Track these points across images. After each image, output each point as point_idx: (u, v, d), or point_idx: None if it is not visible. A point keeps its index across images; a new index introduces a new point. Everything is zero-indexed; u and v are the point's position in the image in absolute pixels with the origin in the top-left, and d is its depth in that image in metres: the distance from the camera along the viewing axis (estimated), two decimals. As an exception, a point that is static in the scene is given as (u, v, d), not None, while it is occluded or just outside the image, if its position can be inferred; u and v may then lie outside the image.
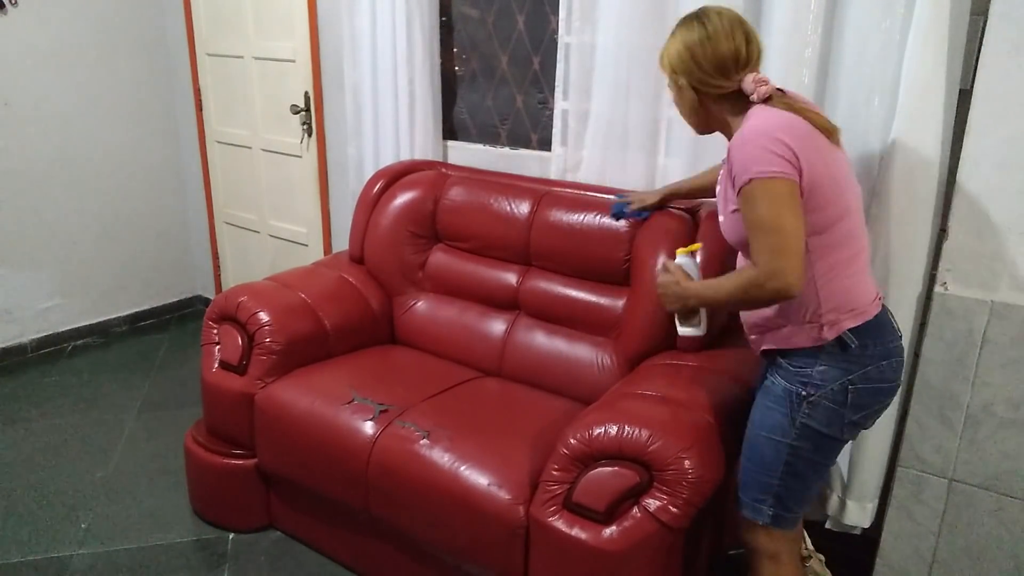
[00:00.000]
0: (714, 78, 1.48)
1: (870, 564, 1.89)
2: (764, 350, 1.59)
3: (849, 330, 1.46)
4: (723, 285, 1.50)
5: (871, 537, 1.95)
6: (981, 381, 1.65)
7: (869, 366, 1.48)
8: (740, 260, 1.61)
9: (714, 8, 1.50)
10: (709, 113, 1.55)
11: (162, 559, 2.23)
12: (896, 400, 1.89)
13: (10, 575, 2.16)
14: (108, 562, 2.21)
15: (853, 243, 1.48)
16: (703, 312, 1.65)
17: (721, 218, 1.55)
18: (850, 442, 1.95)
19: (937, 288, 1.66)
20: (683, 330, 1.68)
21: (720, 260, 1.90)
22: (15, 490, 2.53)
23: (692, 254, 1.68)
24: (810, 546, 2.00)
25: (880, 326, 1.50)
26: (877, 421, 1.58)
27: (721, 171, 1.54)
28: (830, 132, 1.45)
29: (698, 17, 1.50)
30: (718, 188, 1.56)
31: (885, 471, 1.99)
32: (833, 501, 2.05)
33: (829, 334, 1.47)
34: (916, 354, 1.80)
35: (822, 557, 2.01)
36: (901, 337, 1.55)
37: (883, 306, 1.54)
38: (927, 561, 1.80)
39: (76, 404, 3.11)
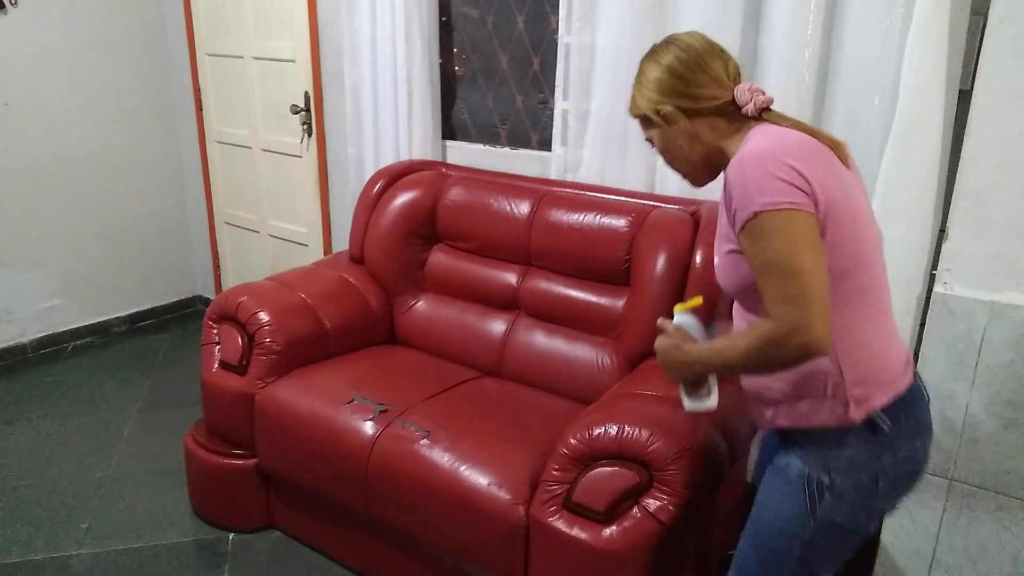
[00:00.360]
0: (706, 87, 1.25)
1: (870, 564, 1.89)
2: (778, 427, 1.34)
3: (881, 409, 1.22)
4: (734, 346, 1.22)
5: (871, 537, 1.95)
6: (981, 382, 1.64)
7: (903, 448, 1.25)
8: (736, 310, 1.35)
9: (679, 32, 1.33)
10: (704, 144, 1.29)
11: (162, 559, 2.23)
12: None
13: (10, 575, 2.16)
14: (108, 562, 2.21)
15: (877, 296, 1.24)
16: (713, 380, 1.38)
17: (716, 259, 1.30)
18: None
19: (937, 288, 1.66)
20: (690, 405, 1.39)
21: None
22: (15, 490, 2.53)
23: (692, 311, 1.40)
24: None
25: (913, 400, 1.27)
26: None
27: (719, 202, 1.25)
28: (837, 148, 1.23)
29: (665, 42, 1.31)
30: (719, 222, 1.28)
31: (885, 471, 1.99)
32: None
33: (856, 414, 1.21)
34: (916, 354, 1.80)
35: (822, 557, 2.00)
36: (929, 402, 1.32)
37: (915, 372, 1.31)
38: (927, 561, 1.79)
39: (76, 404, 3.11)
